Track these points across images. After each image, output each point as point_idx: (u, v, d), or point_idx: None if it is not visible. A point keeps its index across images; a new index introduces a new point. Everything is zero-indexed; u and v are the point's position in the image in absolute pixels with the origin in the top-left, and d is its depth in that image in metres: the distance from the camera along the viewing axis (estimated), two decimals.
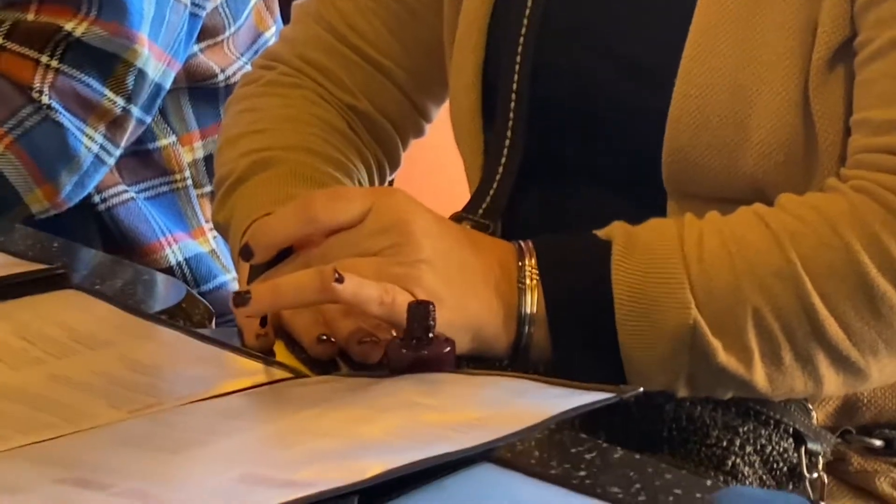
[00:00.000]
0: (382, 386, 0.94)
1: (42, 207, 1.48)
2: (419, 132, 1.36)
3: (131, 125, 1.49)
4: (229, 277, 1.64)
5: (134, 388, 0.97)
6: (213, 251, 1.64)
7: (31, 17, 1.44)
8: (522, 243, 1.05)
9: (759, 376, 1.02)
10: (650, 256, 1.03)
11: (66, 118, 1.44)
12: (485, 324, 1.02)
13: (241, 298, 1.00)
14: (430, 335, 0.95)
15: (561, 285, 1.03)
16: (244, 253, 1.04)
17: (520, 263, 1.03)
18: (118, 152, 1.51)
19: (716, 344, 1.01)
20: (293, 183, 1.20)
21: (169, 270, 1.58)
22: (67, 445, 0.87)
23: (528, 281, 1.03)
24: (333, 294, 0.96)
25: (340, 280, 0.96)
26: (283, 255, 1.04)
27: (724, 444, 1.05)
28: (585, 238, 1.06)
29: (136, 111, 1.49)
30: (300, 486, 0.73)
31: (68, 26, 1.43)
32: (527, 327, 1.03)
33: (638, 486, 0.83)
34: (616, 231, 1.05)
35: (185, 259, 1.61)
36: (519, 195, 1.20)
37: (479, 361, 1.03)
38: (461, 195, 1.24)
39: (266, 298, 0.99)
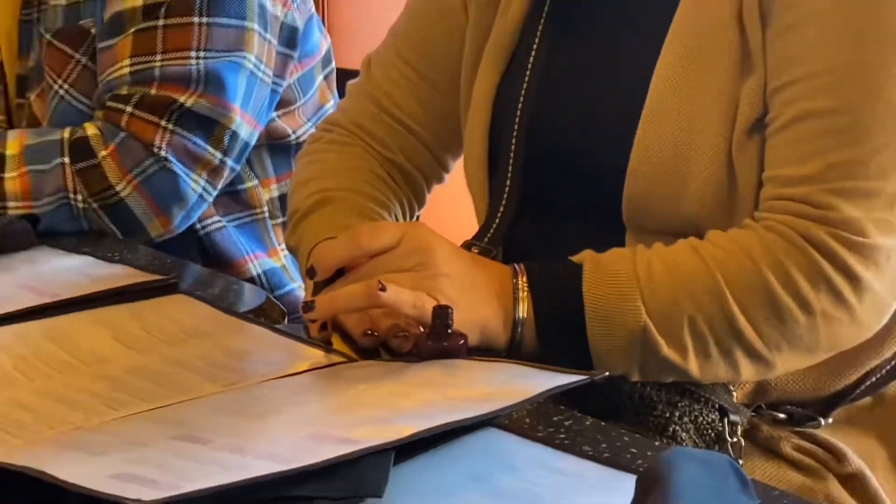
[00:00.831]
0: (413, 369, 0.94)
1: (159, 233, 1.46)
2: (440, 179, 1.34)
3: (226, 173, 1.46)
4: (296, 286, 1.60)
5: (227, 369, 0.97)
6: (283, 266, 1.61)
7: (153, 91, 1.42)
8: (516, 265, 1.05)
9: (693, 366, 1.02)
10: (611, 276, 1.02)
11: (178, 168, 1.42)
12: (488, 324, 1.01)
13: (308, 307, 1.01)
14: (450, 331, 0.95)
15: (545, 297, 1.03)
16: (310, 273, 1.05)
17: (514, 280, 1.03)
18: (215, 193, 1.50)
19: (660, 341, 1.01)
20: (346, 216, 1.19)
21: (251, 280, 1.56)
22: (178, 411, 0.88)
23: (520, 294, 1.02)
24: (378, 300, 0.97)
25: (384, 289, 0.96)
26: (339, 273, 1.04)
27: (667, 415, 1.04)
28: (563, 262, 1.05)
29: (229, 162, 1.46)
30: (354, 442, 0.74)
31: (181, 99, 1.42)
32: (519, 328, 1.02)
33: (604, 445, 0.84)
34: (586, 256, 1.04)
35: (263, 272, 1.58)
36: (515, 228, 1.18)
37: (484, 352, 1.01)
38: (471, 226, 1.23)
39: (326, 306, 1.00)
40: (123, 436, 0.81)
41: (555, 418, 0.88)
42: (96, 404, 0.89)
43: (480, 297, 1.02)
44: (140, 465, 0.73)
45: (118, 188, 1.42)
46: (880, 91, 1.01)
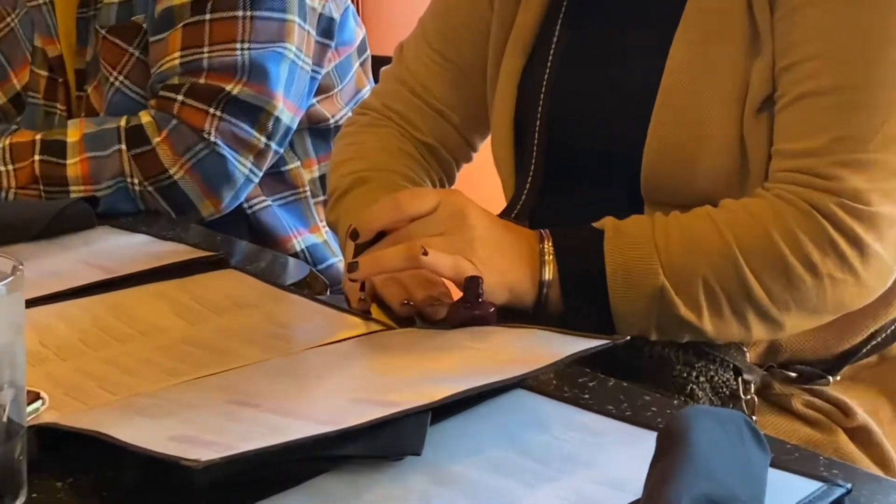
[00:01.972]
0: (447, 335, 0.93)
1: (209, 213, 1.45)
2: (468, 159, 1.32)
3: (270, 155, 1.46)
4: (337, 260, 1.60)
5: (274, 337, 0.97)
6: (325, 241, 1.60)
7: (202, 81, 1.42)
8: (542, 231, 1.03)
9: (707, 325, 1.01)
10: (631, 240, 1.01)
11: (226, 151, 1.42)
12: (517, 285, 1.00)
13: (353, 266, 0.98)
14: (480, 300, 0.95)
15: (569, 260, 1.01)
16: (353, 234, 1.01)
17: (541, 245, 1.02)
18: (261, 174, 1.48)
19: (677, 301, 1.00)
20: (381, 194, 1.16)
21: (295, 255, 1.55)
22: (229, 377, 0.87)
23: (546, 257, 1.01)
24: (420, 263, 0.95)
25: (426, 253, 0.95)
26: (379, 237, 1.01)
27: (685, 375, 1.04)
28: (586, 228, 1.03)
29: (273, 145, 1.46)
30: (393, 405, 0.73)
31: (228, 87, 1.41)
32: (545, 290, 1.01)
33: (625, 404, 0.83)
34: (607, 223, 1.03)
35: (307, 247, 1.58)
36: (540, 203, 1.18)
37: (512, 318, 1.00)
38: (498, 203, 1.21)
39: (370, 266, 0.98)
40: (180, 401, 0.80)
41: (580, 379, 0.88)
42: (154, 372, 0.89)
43: (510, 260, 1.00)
44: (196, 427, 0.73)
45: (171, 171, 1.41)
46: (881, 69, 0.99)
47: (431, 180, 1.28)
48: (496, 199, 1.24)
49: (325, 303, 1.06)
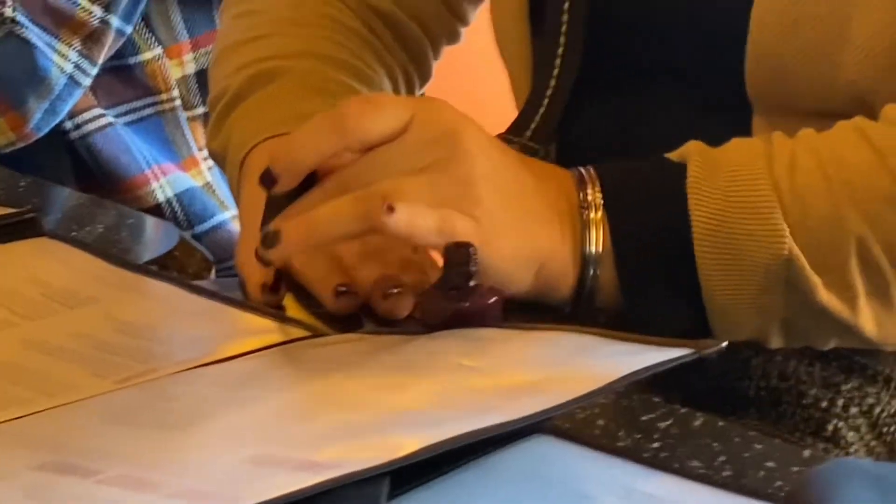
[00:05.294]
0: (417, 345, 0.90)
1: (6, 140, 1.42)
2: (454, 37, 1.24)
3: (110, 38, 1.43)
4: (228, 216, 1.55)
5: (122, 353, 0.94)
6: (207, 185, 1.58)
7: None
8: (583, 170, 0.97)
9: (866, 319, 0.96)
10: (733, 180, 0.96)
11: (33, 33, 1.38)
12: (550, 258, 0.96)
13: (271, 238, 0.92)
14: (472, 283, 0.90)
15: (629, 217, 0.97)
16: (266, 179, 0.96)
17: (581, 193, 0.98)
18: (95, 71, 1.44)
19: (815, 280, 0.95)
20: (302, 96, 1.12)
21: (157, 209, 1.52)
22: (45, 424, 0.85)
23: (591, 213, 0.97)
24: (383, 227, 0.91)
25: (391, 210, 0.91)
26: (309, 183, 0.97)
27: (824, 404, 1.00)
28: (656, 161, 0.97)
29: (115, 21, 1.43)
30: (323, 467, 0.71)
31: None
32: (592, 269, 0.97)
33: (722, 458, 0.81)
34: (691, 152, 0.97)
35: (176, 195, 1.56)
36: (574, 113, 1.10)
37: (532, 311, 0.95)
38: (504, 114, 1.13)
39: (300, 235, 0.93)
40: None
41: (643, 418, 0.85)
42: None
43: (536, 215, 0.96)
44: None
45: None
46: None
47: (390, 72, 1.20)
48: (499, 109, 1.15)
49: (208, 292, 1.03)
